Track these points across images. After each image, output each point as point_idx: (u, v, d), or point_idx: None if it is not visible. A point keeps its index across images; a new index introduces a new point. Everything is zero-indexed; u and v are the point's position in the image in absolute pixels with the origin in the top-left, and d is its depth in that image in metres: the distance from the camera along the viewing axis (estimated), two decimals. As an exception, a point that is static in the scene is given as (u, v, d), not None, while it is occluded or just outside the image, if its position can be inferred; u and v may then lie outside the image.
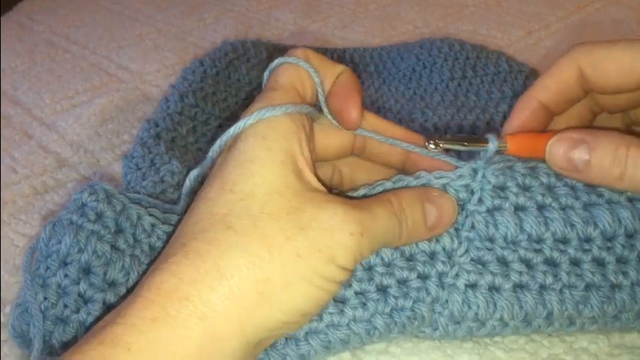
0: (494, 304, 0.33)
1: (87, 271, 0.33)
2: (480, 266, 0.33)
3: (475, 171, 0.34)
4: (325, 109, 0.35)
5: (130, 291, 0.30)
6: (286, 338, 0.33)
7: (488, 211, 0.34)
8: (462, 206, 0.34)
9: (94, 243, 0.33)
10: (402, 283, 0.33)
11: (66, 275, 0.33)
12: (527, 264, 0.33)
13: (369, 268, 0.33)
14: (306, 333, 0.32)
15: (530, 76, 0.62)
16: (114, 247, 0.34)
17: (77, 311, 0.33)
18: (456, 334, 0.34)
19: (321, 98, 0.35)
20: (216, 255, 0.28)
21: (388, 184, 0.35)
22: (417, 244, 0.34)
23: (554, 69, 0.36)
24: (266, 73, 0.36)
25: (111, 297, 0.33)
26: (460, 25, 0.87)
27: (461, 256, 0.33)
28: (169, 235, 0.33)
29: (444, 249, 0.34)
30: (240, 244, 0.28)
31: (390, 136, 0.36)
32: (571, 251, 0.33)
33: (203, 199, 0.31)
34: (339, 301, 0.33)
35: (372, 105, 0.62)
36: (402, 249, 0.34)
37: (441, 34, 0.81)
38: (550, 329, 0.34)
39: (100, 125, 0.66)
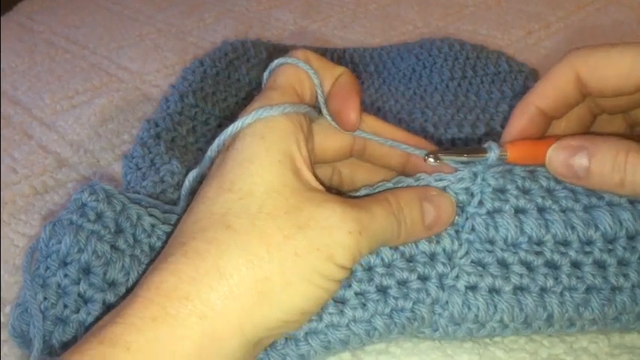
0: (495, 306, 0.33)
1: (87, 271, 0.33)
2: (480, 268, 0.33)
3: (475, 174, 0.34)
4: (324, 111, 0.35)
5: (129, 291, 0.30)
6: (286, 338, 0.33)
7: (489, 213, 0.34)
8: (461, 208, 0.34)
9: (93, 243, 0.33)
10: (402, 284, 0.33)
11: (66, 275, 0.33)
12: (528, 266, 0.33)
13: (369, 269, 0.33)
14: (306, 333, 0.32)
15: (530, 76, 0.62)
16: (114, 247, 0.34)
17: (77, 311, 0.33)
18: (456, 335, 0.34)
19: (321, 99, 0.35)
20: (215, 254, 0.28)
21: (388, 186, 0.35)
22: (416, 245, 0.34)
23: (550, 75, 0.36)
24: (266, 74, 0.36)
25: (111, 297, 0.33)
26: (460, 25, 0.87)
27: (461, 258, 0.33)
28: (169, 235, 0.33)
29: (444, 250, 0.34)
30: (239, 244, 0.29)
31: (389, 139, 0.36)
32: (572, 253, 0.33)
33: (202, 198, 0.31)
34: (339, 302, 0.33)
35: (372, 105, 0.62)
36: (402, 250, 0.34)
37: (441, 34, 0.81)
38: (550, 330, 0.34)
39: (100, 125, 0.66)
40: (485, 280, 0.33)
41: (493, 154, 0.34)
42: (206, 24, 0.94)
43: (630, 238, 0.34)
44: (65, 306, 0.33)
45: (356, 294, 0.33)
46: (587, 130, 0.38)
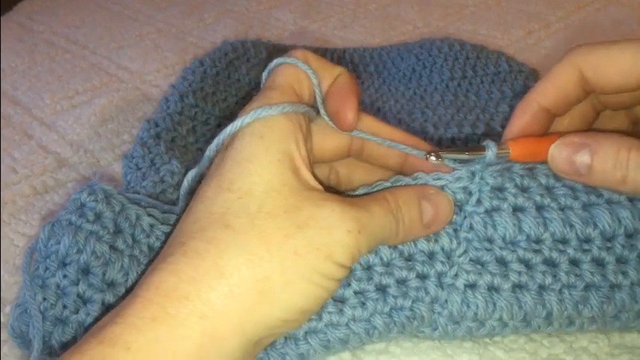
0: (494, 304, 0.33)
1: (86, 271, 0.33)
2: (479, 266, 0.33)
3: (473, 173, 0.34)
4: (322, 111, 0.35)
5: (129, 291, 0.30)
6: (286, 337, 0.33)
7: (487, 212, 0.34)
8: (459, 207, 0.34)
9: (92, 243, 0.33)
10: (401, 282, 0.33)
11: (65, 276, 0.33)
12: (526, 264, 0.33)
13: (368, 268, 0.33)
14: (306, 332, 0.32)
15: (530, 76, 0.62)
16: (113, 248, 0.34)
17: (76, 312, 0.33)
18: (456, 334, 0.34)
19: (319, 99, 0.35)
20: (215, 254, 0.28)
21: (386, 185, 0.35)
22: (415, 244, 0.34)
23: (553, 72, 0.36)
24: (265, 74, 0.36)
25: (110, 297, 0.33)
26: (460, 25, 0.87)
27: (460, 257, 0.33)
28: (168, 235, 0.33)
29: (442, 249, 0.34)
30: (239, 243, 0.29)
31: (387, 139, 0.36)
32: (570, 251, 0.33)
33: (201, 198, 0.31)
34: (339, 301, 0.33)
35: (372, 105, 0.62)
36: (400, 249, 0.34)
37: (441, 34, 0.81)
38: (550, 329, 0.34)
39: (100, 125, 0.66)
40: (484, 278, 0.33)
41: (490, 152, 0.34)
42: (206, 24, 0.94)
43: (629, 236, 0.34)
44: (64, 306, 0.33)
45: (355, 293, 0.33)
46: (590, 127, 0.38)
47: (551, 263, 0.33)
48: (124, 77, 0.78)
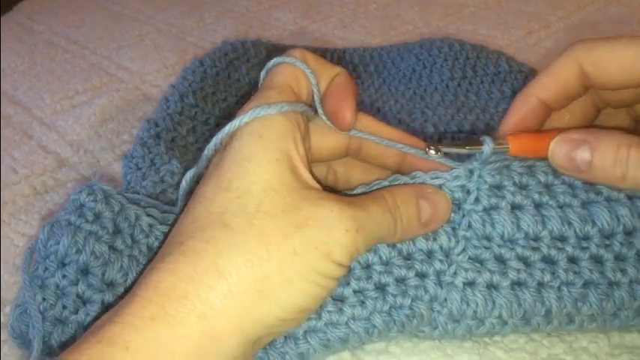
0: (493, 302, 0.33)
1: (85, 271, 0.33)
2: (477, 264, 0.33)
3: (471, 171, 0.34)
4: (320, 110, 0.35)
5: (127, 291, 0.30)
6: (285, 337, 0.33)
7: (485, 210, 0.34)
8: (458, 206, 0.34)
9: (91, 243, 0.33)
10: (401, 281, 0.33)
11: (64, 276, 0.33)
12: (525, 262, 0.33)
13: (368, 267, 0.33)
14: (305, 331, 0.32)
15: (530, 76, 0.62)
16: (112, 248, 0.34)
17: (76, 312, 0.33)
18: (456, 332, 0.34)
19: (317, 99, 0.35)
20: (213, 253, 0.28)
21: (385, 184, 0.35)
22: (414, 243, 0.34)
23: (553, 67, 0.36)
24: (263, 73, 0.36)
25: (109, 297, 0.33)
26: (460, 25, 0.87)
27: (458, 255, 0.34)
28: (166, 235, 0.33)
29: (441, 247, 0.34)
30: (238, 243, 0.29)
31: (385, 138, 0.36)
32: (569, 249, 0.33)
33: (199, 197, 0.31)
34: (338, 300, 0.33)
35: (372, 105, 0.62)
36: (399, 247, 0.34)
37: (441, 34, 0.81)
38: (549, 327, 0.34)
39: (100, 125, 0.66)
40: (482, 276, 0.33)
41: (487, 147, 0.34)
42: (206, 24, 0.94)
43: (628, 233, 0.34)
44: (64, 307, 0.33)
45: (355, 292, 0.33)
46: (591, 124, 0.38)
47: (549, 261, 0.33)
48: (124, 77, 0.78)
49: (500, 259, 0.34)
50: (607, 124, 0.38)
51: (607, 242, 0.34)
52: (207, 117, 0.56)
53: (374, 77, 0.69)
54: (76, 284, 0.33)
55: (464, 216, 0.34)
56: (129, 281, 0.34)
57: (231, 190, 0.30)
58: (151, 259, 0.32)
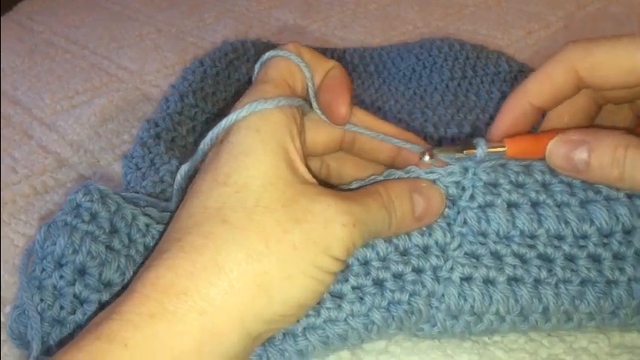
0: (490, 297, 0.33)
1: (82, 272, 0.33)
2: (474, 260, 0.34)
3: (466, 169, 0.35)
4: (314, 104, 0.35)
5: (124, 289, 0.30)
6: (284, 334, 0.33)
7: (480, 207, 0.34)
8: (453, 202, 0.34)
9: (88, 244, 0.33)
10: (398, 276, 0.33)
11: (61, 277, 0.33)
12: (521, 258, 0.34)
13: (365, 263, 0.33)
14: (304, 328, 0.32)
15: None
16: (109, 248, 0.34)
17: (73, 312, 0.33)
18: (454, 330, 0.34)
19: (311, 93, 0.35)
20: (212, 249, 0.28)
21: (380, 179, 0.35)
22: (410, 238, 0.34)
23: (545, 69, 0.35)
24: (257, 66, 0.35)
25: (107, 298, 0.33)
26: (460, 25, 0.87)
27: (454, 250, 0.34)
28: (163, 232, 0.33)
29: (436, 243, 0.34)
30: (237, 238, 0.28)
31: (373, 126, 0.36)
32: (566, 247, 0.34)
33: (195, 192, 0.31)
34: (337, 296, 0.33)
35: (372, 105, 0.62)
36: (395, 243, 0.34)
37: (441, 34, 0.81)
38: (548, 325, 0.34)
39: (100, 125, 0.66)
40: (479, 271, 0.33)
41: (481, 150, 0.34)
42: (206, 24, 0.94)
43: (627, 232, 0.34)
44: (62, 307, 0.33)
45: (353, 288, 0.33)
46: (593, 122, 0.38)
47: (546, 258, 0.34)
48: (124, 77, 0.78)
49: (497, 255, 0.34)
50: (609, 120, 0.38)
51: (605, 241, 0.34)
52: (207, 117, 0.56)
53: (374, 77, 0.69)
54: (73, 285, 0.33)
55: (459, 212, 0.34)
56: (126, 281, 0.34)
57: (229, 185, 0.30)
58: (148, 257, 0.32)
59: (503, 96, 0.60)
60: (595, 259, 0.33)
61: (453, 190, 0.34)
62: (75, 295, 0.33)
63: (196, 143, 0.53)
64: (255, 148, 0.30)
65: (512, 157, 0.35)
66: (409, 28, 0.87)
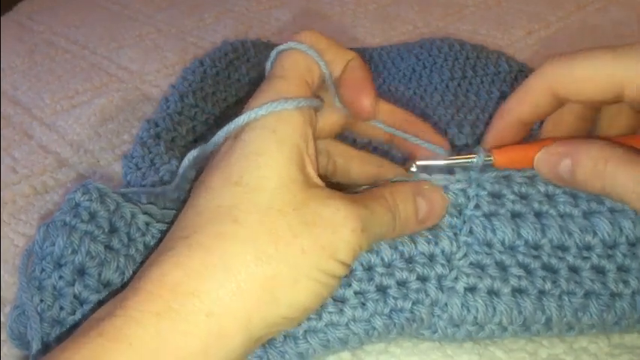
0: (494, 308, 0.33)
1: (81, 272, 0.33)
2: (479, 270, 0.33)
3: (471, 178, 0.35)
4: (336, 100, 0.35)
5: (124, 287, 0.30)
6: (285, 336, 0.32)
7: (485, 216, 0.34)
8: (459, 211, 0.34)
9: (87, 244, 0.33)
10: (402, 284, 0.33)
11: (60, 277, 0.33)
12: (526, 269, 0.33)
13: (369, 269, 0.33)
14: (305, 331, 0.32)
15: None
16: (108, 247, 0.34)
17: (73, 313, 0.32)
18: (455, 337, 0.34)
19: (332, 90, 0.34)
20: (222, 249, 0.28)
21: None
22: (416, 246, 0.34)
23: (525, 87, 0.36)
24: (273, 54, 0.34)
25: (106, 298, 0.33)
26: (460, 25, 0.87)
27: (460, 260, 0.33)
28: (168, 229, 0.33)
29: (442, 252, 0.34)
30: (248, 240, 0.28)
31: (407, 129, 0.37)
32: (570, 258, 0.33)
33: (205, 189, 0.30)
34: (339, 301, 0.33)
35: (372, 105, 0.62)
36: (401, 250, 0.34)
37: (441, 34, 0.81)
38: (549, 334, 0.34)
39: (100, 125, 0.66)
40: (484, 281, 0.33)
41: (478, 158, 0.35)
42: (206, 24, 0.94)
43: (631, 244, 0.33)
44: (61, 308, 0.32)
45: (355, 293, 0.33)
46: (591, 124, 0.38)
47: (550, 269, 0.33)
48: (124, 77, 0.78)
49: (502, 266, 0.34)
50: (612, 123, 0.38)
51: (610, 253, 0.33)
52: (207, 117, 0.56)
53: (374, 77, 0.68)
54: (73, 285, 0.32)
55: (465, 222, 0.34)
56: (125, 280, 0.34)
57: (241, 185, 0.29)
58: (150, 255, 0.32)
59: (503, 96, 0.60)
60: (599, 270, 0.33)
61: (460, 199, 0.34)
62: (75, 296, 0.32)
63: (196, 142, 0.53)
64: (270, 149, 0.30)
65: (499, 166, 0.35)
66: (409, 28, 0.87)
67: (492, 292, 0.33)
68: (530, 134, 0.38)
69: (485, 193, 0.34)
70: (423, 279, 0.33)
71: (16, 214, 0.53)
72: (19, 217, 0.52)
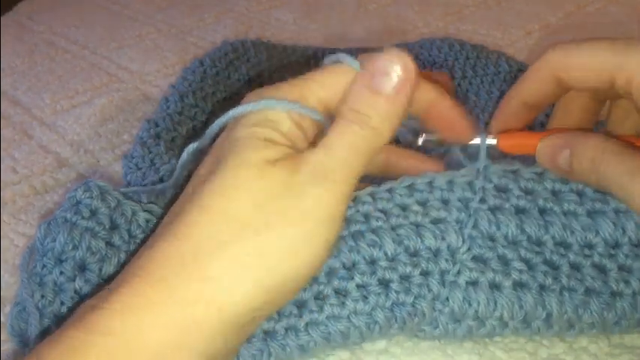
0: (495, 302, 0.33)
1: (82, 267, 0.33)
2: (481, 264, 0.33)
3: (477, 171, 0.35)
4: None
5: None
6: (286, 328, 0.33)
7: (490, 209, 0.34)
8: (465, 205, 0.35)
9: (88, 239, 0.33)
10: (405, 278, 0.33)
11: (61, 273, 0.33)
12: (527, 263, 0.34)
13: (372, 262, 0.33)
14: (307, 324, 0.33)
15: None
16: (109, 244, 0.34)
17: (74, 308, 0.33)
18: (456, 333, 0.34)
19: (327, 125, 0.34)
20: (192, 236, 0.28)
21: (394, 184, 0.35)
22: (422, 240, 0.34)
23: (530, 73, 0.37)
24: (331, 59, 0.33)
25: None
26: (460, 25, 0.87)
27: (463, 254, 0.34)
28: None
29: (448, 247, 0.34)
30: (214, 224, 0.28)
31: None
32: (571, 255, 0.34)
33: (191, 181, 0.31)
34: (341, 294, 0.33)
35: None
36: (406, 244, 0.34)
37: (441, 34, 0.81)
38: (550, 332, 0.34)
39: (100, 125, 0.66)
40: (486, 275, 0.33)
41: (483, 138, 0.35)
42: (206, 24, 0.94)
43: (634, 245, 0.33)
44: (62, 303, 0.33)
45: (358, 286, 0.33)
46: (596, 117, 0.39)
47: (551, 265, 0.34)
48: (124, 77, 0.78)
49: (504, 260, 0.34)
50: (620, 123, 0.39)
51: (612, 252, 0.34)
52: (207, 117, 0.56)
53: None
54: (74, 280, 0.33)
55: (470, 215, 0.34)
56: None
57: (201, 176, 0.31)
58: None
59: (503, 96, 0.60)
60: (600, 269, 0.33)
61: (467, 193, 0.35)
62: (75, 291, 0.33)
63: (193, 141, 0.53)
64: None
65: (502, 149, 0.36)
66: (409, 28, 0.87)
67: (494, 286, 0.33)
68: (537, 125, 0.39)
69: (492, 186, 0.35)
70: (426, 274, 0.33)
71: (16, 214, 0.53)
72: (19, 217, 0.52)
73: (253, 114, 0.32)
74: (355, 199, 0.35)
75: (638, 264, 0.33)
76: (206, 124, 0.56)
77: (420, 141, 0.35)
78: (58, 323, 0.33)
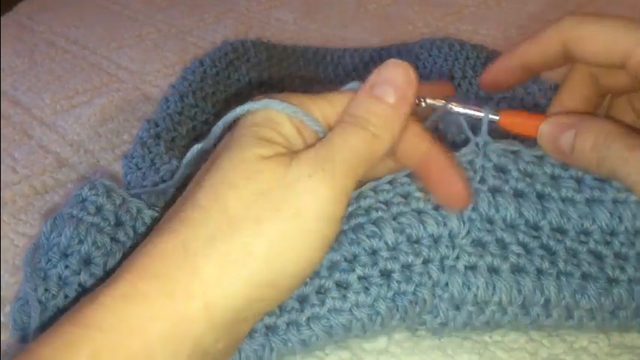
0: (494, 286, 0.33)
1: (87, 261, 0.34)
2: (479, 248, 0.34)
3: (477, 146, 0.35)
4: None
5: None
6: (288, 323, 0.33)
7: (490, 191, 0.34)
8: None
9: (93, 234, 0.34)
10: (407, 267, 0.33)
11: (67, 266, 0.33)
12: (525, 247, 0.34)
13: (374, 253, 0.33)
14: (308, 318, 0.33)
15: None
16: (114, 239, 0.35)
17: (78, 301, 0.33)
18: (456, 321, 0.34)
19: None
20: (183, 232, 0.29)
21: (396, 175, 0.35)
22: (425, 227, 0.34)
23: (539, 36, 0.37)
24: (350, 87, 0.34)
25: None
26: (460, 25, 0.87)
27: (462, 238, 0.34)
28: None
29: (450, 233, 0.34)
30: (205, 221, 0.29)
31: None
32: (568, 241, 0.34)
33: (194, 180, 0.32)
34: (342, 287, 0.33)
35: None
36: (408, 233, 0.34)
37: (441, 34, 0.81)
38: (549, 320, 0.34)
39: (100, 125, 0.66)
40: (484, 259, 0.33)
41: (485, 113, 0.35)
42: (206, 24, 0.94)
43: (630, 234, 0.34)
44: (66, 296, 0.33)
45: (359, 278, 0.33)
46: (595, 112, 0.39)
47: (548, 250, 0.34)
48: (124, 77, 0.78)
49: (502, 243, 0.34)
50: (623, 114, 0.39)
51: (608, 239, 0.34)
52: (207, 117, 0.56)
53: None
54: (79, 274, 0.33)
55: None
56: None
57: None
58: None
59: (504, 96, 0.60)
60: (596, 255, 0.34)
61: (468, 173, 0.35)
62: (80, 284, 0.33)
63: (197, 142, 0.53)
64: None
65: (502, 126, 0.35)
66: (409, 28, 0.88)
67: (492, 270, 0.33)
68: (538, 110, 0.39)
69: (491, 165, 0.35)
70: (426, 261, 0.33)
71: (16, 214, 0.53)
72: (19, 217, 0.52)
73: (256, 114, 0.32)
74: (358, 195, 0.35)
75: (634, 252, 0.34)
76: (206, 124, 0.56)
77: (424, 104, 0.35)
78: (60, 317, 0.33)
